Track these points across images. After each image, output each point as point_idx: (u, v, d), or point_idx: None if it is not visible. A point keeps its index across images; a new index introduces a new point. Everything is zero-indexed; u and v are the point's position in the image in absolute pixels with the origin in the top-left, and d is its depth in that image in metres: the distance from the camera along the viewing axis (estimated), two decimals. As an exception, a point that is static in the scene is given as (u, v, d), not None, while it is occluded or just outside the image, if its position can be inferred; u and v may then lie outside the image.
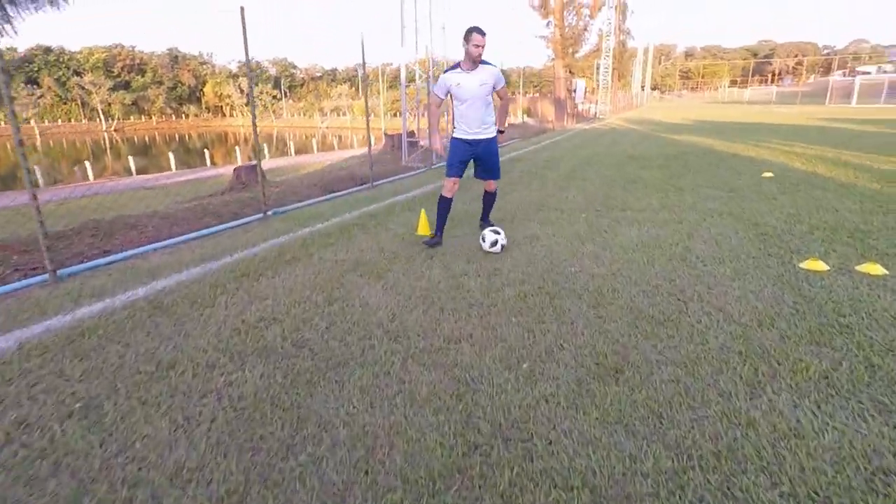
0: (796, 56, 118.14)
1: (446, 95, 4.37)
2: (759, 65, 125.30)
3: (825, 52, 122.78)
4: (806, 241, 4.44)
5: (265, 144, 27.52)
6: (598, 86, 36.12)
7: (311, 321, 3.14)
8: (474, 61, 4.14)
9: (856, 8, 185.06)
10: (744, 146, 11.87)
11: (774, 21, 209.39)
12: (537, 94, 61.69)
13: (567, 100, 30.22)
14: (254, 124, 5.67)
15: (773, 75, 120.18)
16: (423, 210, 5.28)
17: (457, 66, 4.25)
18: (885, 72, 70.56)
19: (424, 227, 5.11)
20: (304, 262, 4.30)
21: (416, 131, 12.55)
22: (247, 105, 68.77)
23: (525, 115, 31.24)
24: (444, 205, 4.56)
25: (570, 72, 31.91)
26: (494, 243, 4.39)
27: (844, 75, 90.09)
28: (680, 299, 3.33)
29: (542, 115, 30.47)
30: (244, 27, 5.24)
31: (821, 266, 3.78)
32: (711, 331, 2.88)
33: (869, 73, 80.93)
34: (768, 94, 71.06)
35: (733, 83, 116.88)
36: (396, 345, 2.82)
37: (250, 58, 5.48)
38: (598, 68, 35.66)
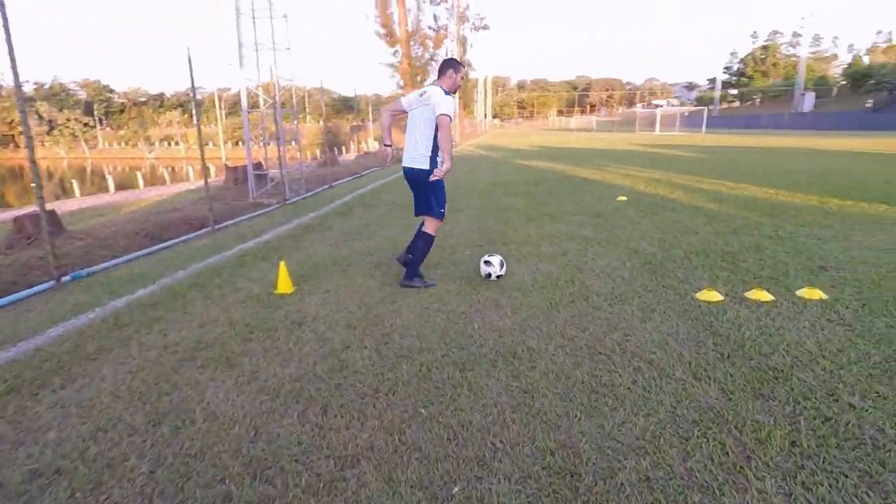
0: (607, 90, 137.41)
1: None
2: (579, 97, 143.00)
3: (628, 87, 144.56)
4: (688, 269, 4.44)
5: (74, 180, 23.12)
6: (447, 114, 37.39)
7: (119, 466, 2.05)
8: (454, 91, 3.95)
9: (648, 51, 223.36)
10: (591, 171, 12.74)
11: (590, 59, 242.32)
12: (388, 122, 62.16)
13: (419, 127, 30.66)
14: (31, 157, 4.16)
15: (591, 106, 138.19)
16: (282, 262, 4.30)
17: (445, 91, 3.88)
18: (673, 105, 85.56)
19: (286, 284, 4.14)
20: (115, 354, 3.07)
21: (262, 162, 11.25)
22: (49, 133, 58.30)
23: (377, 143, 31.04)
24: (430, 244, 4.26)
25: (419, 101, 32.55)
26: (501, 264, 4.25)
27: (644, 107, 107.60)
28: (602, 353, 2.92)
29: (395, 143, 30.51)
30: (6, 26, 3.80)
31: (715, 296, 3.71)
32: (653, 394, 2.47)
33: (662, 105, 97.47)
34: (589, 123, 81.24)
35: (560, 112, 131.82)
36: (265, 488, 1.90)
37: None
38: (445, 97, 36.95)
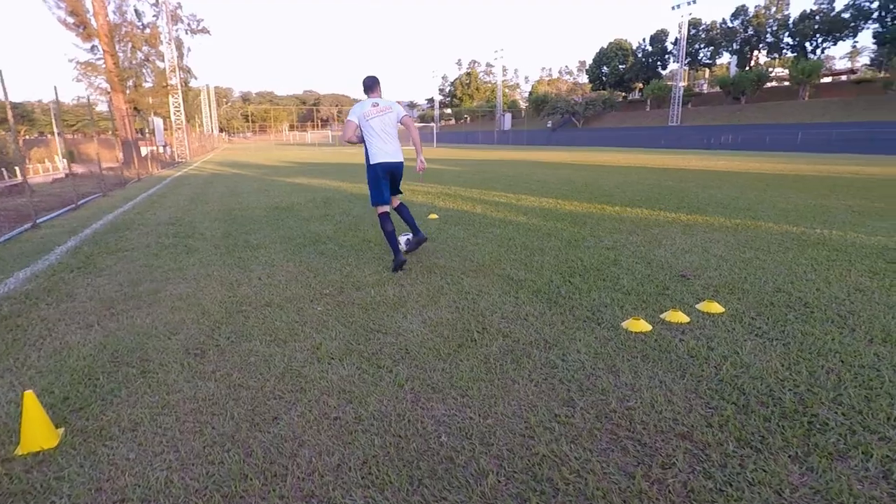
0: (337, 106, 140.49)
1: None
2: (309, 111, 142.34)
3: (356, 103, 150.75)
4: (582, 296, 4.12)
5: None
6: (172, 126, 31.97)
7: None
8: None
9: (371, 70, 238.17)
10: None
11: (317, 74, 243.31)
12: (80, 135, 50.48)
13: (138, 141, 25.21)
14: None
15: (322, 121, 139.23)
16: (26, 392, 2.28)
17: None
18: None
19: (42, 432, 2.21)
20: None
21: None
22: None
23: (68, 161, 24.23)
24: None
25: (135, 109, 26.80)
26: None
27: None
28: (605, 434, 2.19)
29: (97, 161, 24.25)
30: None
31: (644, 325, 3.41)
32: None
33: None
34: (326, 137, 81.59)
35: (293, 127, 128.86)
36: None
37: None
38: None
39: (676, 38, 58.42)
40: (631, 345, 3.16)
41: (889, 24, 42.43)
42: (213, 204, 9.68)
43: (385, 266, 5.03)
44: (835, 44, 48.50)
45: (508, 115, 75.74)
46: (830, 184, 13.17)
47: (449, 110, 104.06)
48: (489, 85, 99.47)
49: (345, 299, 4.08)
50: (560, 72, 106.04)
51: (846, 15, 45.93)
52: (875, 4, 44.11)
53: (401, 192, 5.32)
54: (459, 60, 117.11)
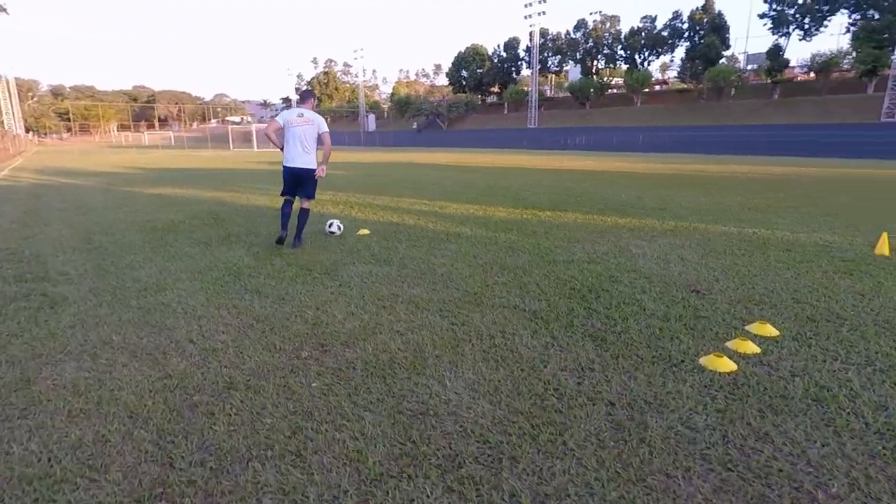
0: (178, 104, 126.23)
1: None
2: (143, 110, 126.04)
3: (199, 101, 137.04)
4: (624, 326, 3.54)
5: None
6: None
7: None
8: None
9: (215, 66, 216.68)
10: (266, 198, 10.46)
11: (150, 69, 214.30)
12: None
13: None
14: None
15: (160, 120, 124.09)
16: None
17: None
18: (250, 122, 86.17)
19: None
20: None
21: None
22: None
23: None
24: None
25: None
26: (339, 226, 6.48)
27: (220, 123, 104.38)
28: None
29: None
30: None
31: (728, 364, 2.91)
32: None
33: (238, 122, 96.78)
34: (167, 139, 72.51)
35: (124, 127, 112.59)
36: None
37: None
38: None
39: (528, 46, 62.55)
40: (737, 391, 2.62)
41: (697, 42, 50.22)
42: (59, 226, 7.34)
43: (358, 305, 3.94)
44: (657, 57, 56.05)
45: (372, 117, 74.51)
46: (700, 181, 14.61)
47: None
48: (348, 85, 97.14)
49: (337, 362, 2.98)
50: (417, 74, 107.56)
51: (665, 33, 53.37)
52: (686, 25, 51.92)
53: (310, 198, 5.88)
54: (315, 59, 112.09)
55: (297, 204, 5.92)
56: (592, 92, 56.10)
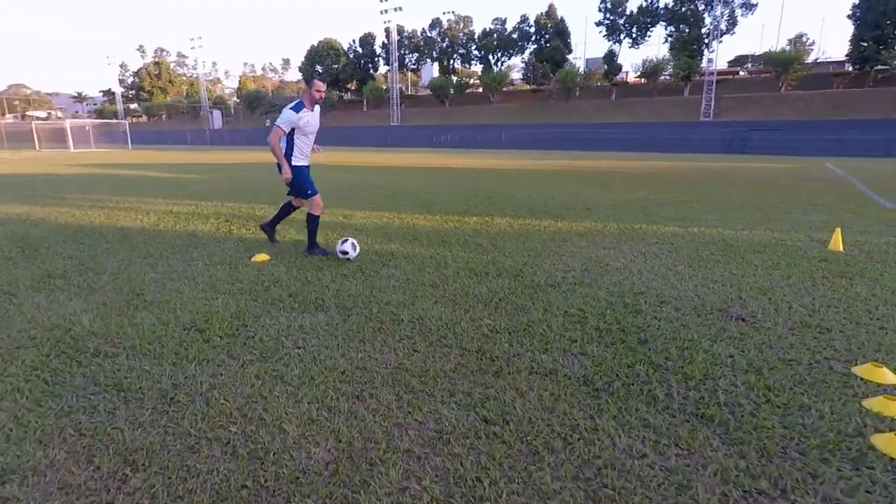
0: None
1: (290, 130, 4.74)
2: None
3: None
4: (705, 386, 2.51)
5: None
6: None
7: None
8: (315, 103, 4.82)
9: (8, 52, 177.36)
10: (101, 214, 7.82)
11: None
12: None
13: None
14: None
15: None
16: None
17: (299, 105, 4.74)
18: (60, 118, 72.35)
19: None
20: None
21: None
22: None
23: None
24: (317, 221, 5.09)
25: None
26: (354, 246, 4.88)
27: (18, 119, 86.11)
28: None
29: None
30: None
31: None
32: None
33: (44, 117, 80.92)
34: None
35: None
36: None
37: None
38: None
39: (384, 42, 61.44)
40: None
41: (544, 45, 53.81)
42: None
43: (315, 401, 2.38)
44: (509, 58, 58.98)
45: (218, 113, 67.32)
46: (588, 177, 14.81)
47: (136, 105, 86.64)
48: (185, 78, 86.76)
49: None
50: (265, 69, 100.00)
51: (515, 35, 56.26)
52: (533, 29, 55.29)
53: (289, 196, 5.27)
54: (142, 47, 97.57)
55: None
56: (453, 90, 56.98)
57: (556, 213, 7.81)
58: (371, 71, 67.96)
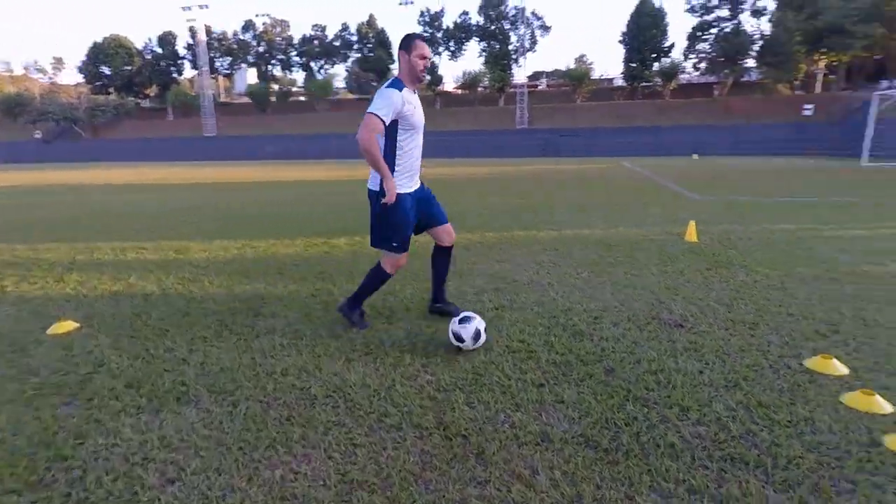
0: None
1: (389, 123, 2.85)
2: None
3: None
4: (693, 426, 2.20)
5: None
6: None
7: None
8: (419, 79, 2.96)
9: None
10: None
11: None
12: None
13: None
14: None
15: None
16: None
17: (397, 82, 2.87)
18: None
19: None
20: None
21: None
22: None
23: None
24: (385, 280, 3.25)
25: None
26: (477, 335, 2.82)
27: None
28: None
29: None
30: None
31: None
32: None
33: None
34: None
35: None
36: None
37: None
38: None
39: (189, 43, 55.06)
40: None
41: (368, 54, 53.64)
42: None
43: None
44: (333, 66, 57.38)
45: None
46: (449, 184, 14.71)
47: None
48: None
49: None
50: (27, 68, 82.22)
51: (337, 43, 55.05)
52: (355, 38, 54.79)
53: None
54: None
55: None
56: (275, 98, 53.56)
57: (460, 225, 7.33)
58: (175, 75, 60.29)
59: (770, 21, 44.30)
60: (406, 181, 3.02)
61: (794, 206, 8.98)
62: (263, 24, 56.11)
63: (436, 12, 51.63)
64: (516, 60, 51.15)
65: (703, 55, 48.35)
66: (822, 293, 3.85)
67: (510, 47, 50.80)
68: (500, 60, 49.12)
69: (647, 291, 3.99)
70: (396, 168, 2.96)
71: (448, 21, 52.32)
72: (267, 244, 6.14)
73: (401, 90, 2.83)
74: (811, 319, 3.30)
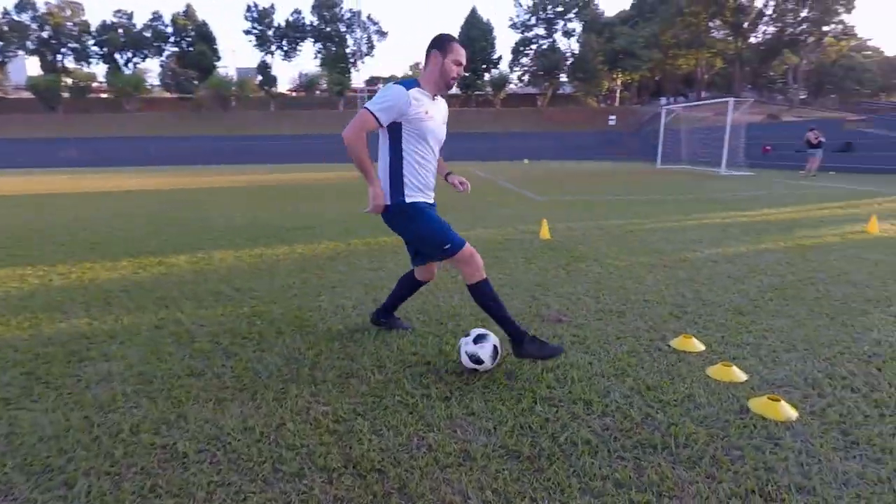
0: None
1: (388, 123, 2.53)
2: None
3: None
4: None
5: None
6: None
7: None
8: (447, 86, 2.62)
9: None
10: None
11: None
12: None
13: None
14: None
15: None
16: None
17: (411, 81, 2.58)
18: None
19: None
20: None
21: None
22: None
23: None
24: (490, 291, 2.68)
25: None
26: (495, 353, 2.58)
27: None
28: None
29: None
30: None
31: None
32: None
33: None
34: None
35: None
36: None
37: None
38: None
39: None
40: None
41: (187, 49, 48.25)
42: None
43: None
44: (143, 59, 50.26)
45: None
46: (289, 193, 13.78)
47: None
48: None
49: None
50: None
51: (148, 34, 48.46)
52: (170, 29, 48.84)
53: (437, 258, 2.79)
54: None
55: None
56: (70, 94, 45.34)
57: (284, 236, 6.74)
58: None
59: (578, 42, 50.80)
60: (419, 190, 2.68)
61: (618, 203, 10.29)
62: (47, 4, 46.98)
63: (265, 8, 48.64)
64: (354, 64, 50.79)
65: (526, 69, 53.51)
66: (665, 279, 4.38)
67: (347, 50, 50.26)
68: (337, 63, 48.26)
69: (521, 290, 4.13)
70: (407, 182, 2.63)
71: (280, 19, 49.79)
72: (81, 269, 5.04)
73: (409, 88, 2.52)
74: (664, 304, 3.72)
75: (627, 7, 52.79)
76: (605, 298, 3.85)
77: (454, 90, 63.10)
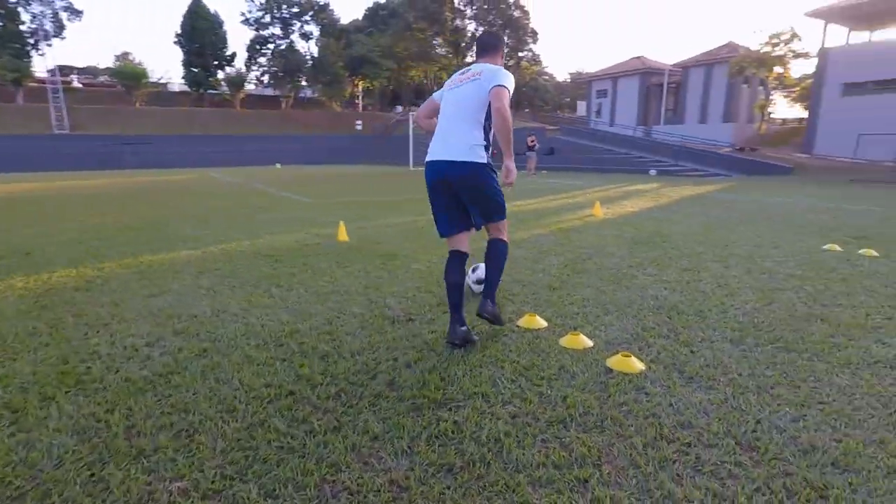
0: None
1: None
2: None
3: None
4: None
5: None
6: None
7: None
8: None
9: None
10: None
11: None
12: None
13: None
14: None
15: None
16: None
17: None
18: None
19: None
20: None
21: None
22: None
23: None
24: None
25: None
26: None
27: None
28: None
29: None
30: None
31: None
32: None
33: None
34: None
35: None
36: None
37: None
38: None
39: None
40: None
41: None
42: None
43: None
44: None
45: None
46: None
47: None
48: None
49: None
50: None
51: None
52: None
53: (501, 219, 2.96)
54: None
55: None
56: None
57: (171, 245, 4.82)
58: None
59: (317, 45, 50.60)
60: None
61: (388, 203, 10.58)
62: None
63: None
64: (35, 47, 40.12)
65: (265, 69, 50.82)
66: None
67: (24, 28, 39.36)
68: (8, 43, 37.24)
69: (353, 294, 3.83)
70: (488, 146, 2.81)
71: None
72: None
73: None
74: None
75: (360, 17, 55.17)
76: (439, 291, 3.87)
77: (181, 86, 55.85)
